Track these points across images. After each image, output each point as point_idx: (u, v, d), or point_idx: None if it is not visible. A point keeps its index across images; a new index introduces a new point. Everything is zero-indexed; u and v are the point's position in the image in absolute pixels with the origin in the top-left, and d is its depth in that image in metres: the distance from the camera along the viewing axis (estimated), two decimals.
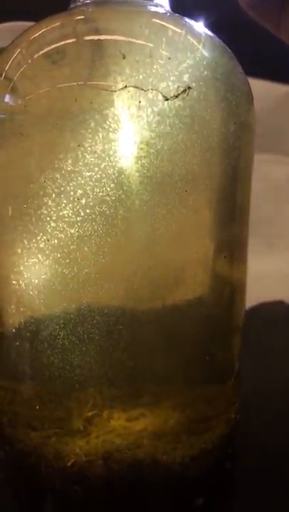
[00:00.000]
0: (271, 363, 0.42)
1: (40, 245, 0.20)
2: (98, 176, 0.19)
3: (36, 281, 0.20)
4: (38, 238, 0.20)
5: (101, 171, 0.19)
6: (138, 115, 0.18)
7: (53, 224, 0.20)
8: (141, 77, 0.18)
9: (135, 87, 0.18)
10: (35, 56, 0.20)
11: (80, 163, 0.19)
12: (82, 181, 0.19)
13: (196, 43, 0.20)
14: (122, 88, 0.18)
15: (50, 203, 0.19)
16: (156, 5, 0.21)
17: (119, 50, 0.19)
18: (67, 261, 0.20)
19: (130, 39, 0.19)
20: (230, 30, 0.23)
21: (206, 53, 0.20)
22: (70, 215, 0.19)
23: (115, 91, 0.18)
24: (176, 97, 0.18)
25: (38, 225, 0.20)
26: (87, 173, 0.19)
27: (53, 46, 0.20)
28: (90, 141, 0.19)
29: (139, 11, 0.20)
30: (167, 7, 0.22)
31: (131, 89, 0.18)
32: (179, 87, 0.19)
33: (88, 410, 0.21)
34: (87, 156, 0.19)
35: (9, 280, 0.21)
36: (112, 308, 0.20)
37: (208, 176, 0.20)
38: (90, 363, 0.20)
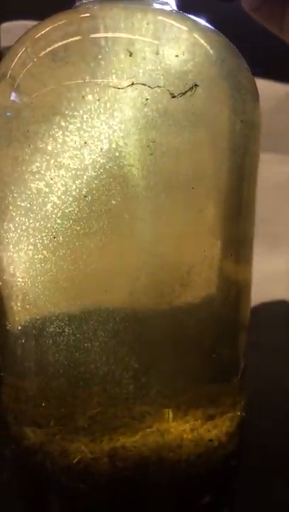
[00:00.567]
0: (274, 362, 0.42)
1: (46, 242, 0.20)
2: (104, 173, 0.19)
3: (42, 278, 0.20)
4: (44, 235, 0.20)
5: (107, 169, 0.19)
6: (145, 112, 0.18)
7: (58, 221, 0.20)
8: (147, 74, 0.18)
9: (142, 84, 0.18)
10: (41, 54, 0.20)
11: (86, 161, 0.19)
12: (88, 179, 0.19)
13: (202, 41, 0.20)
14: (128, 85, 0.18)
15: (56, 200, 0.19)
16: (162, 3, 0.21)
17: (126, 48, 0.19)
18: (73, 258, 0.20)
19: (137, 37, 0.19)
20: (230, 29, 0.23)
21: (212, 51, 0.20)
22: (76, 212, 0.19)
23: (122, 88, 0.18)
24: (183, 94, 0.18)
25: (44, 222, 0.20)
26: (93, 171, 0.19)
27: (58, 44, 0.20)
28: (96, 138, 0.19)
29: (145, 9, 0.20)
30: (173, 5, 0.22)
31: (138, 86, 0.18)
32: (185, 84, 0.19)
33: (93, 408, 0.21)
34: (93, 154, 0.19)
35: (15, 277, 0.21)
36: (118, 307, 0.20)
37: (215, 173, 0.20)
38: (95, 360, 0.20)
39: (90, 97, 0.18)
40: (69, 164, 0.19)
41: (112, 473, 0.20)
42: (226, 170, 0.21)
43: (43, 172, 0.19)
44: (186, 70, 0.19)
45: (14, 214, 0.20)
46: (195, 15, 0.21)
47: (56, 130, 0.19)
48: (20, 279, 0.21)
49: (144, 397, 0.21)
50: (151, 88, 0.18)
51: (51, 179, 0.19)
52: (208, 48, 0.20)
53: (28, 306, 0.21)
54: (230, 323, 0.23)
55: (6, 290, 0.21)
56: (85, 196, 0.19)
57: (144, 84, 0.18)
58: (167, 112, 0.18)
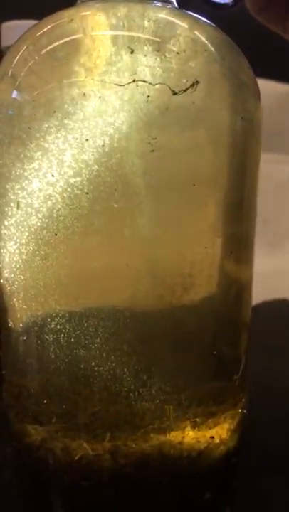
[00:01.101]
0: (275, 361, 0.42)
1: (47, 240, 0.20)
2: (105, 170, 0.19)
3: (43, 276, 0.20)
4: (45, 233, 0.20)
5: (108, 166, 0.19)
6: (146, 109, 0.18)
7: (60, 219, 0.20)
8: (149, 71, 0.18)
9: (143, 81, 0.18)
10: (42, 52, 0.20)
11: (87, 158, 0.19)
12: (90, 176, 0.19)
13: (203, 38, 0.20)
14: (129, 82, 0.18)
15: (57, 197, 0.20)
16: (164, 0, 0.21)
17: (127, 45, 0.19)
18: (74, 256, 0.20)
19: (138, 34, 0.19)
20: (230, 29, 0.23)
21: (213, 48, 0.20)
22: (77, 210, 0.19)
23: (123, 85, 0.18)
24: (184, 91, 0.18)
25: (45, 219, 0.20)
26: (94, 168, 0.19)
27: (59, 42, 0.20)
28: (97, 135, 0.19)
29: (146, 7, 0.20)
30: (174, 3, 0.22)
31: (139, 83, 0.18)
32: (186, 81, 0.19)
33: (95, 405, 0.21)
34: (95, 151, 0.19)
35: (16, 275, 0.21)
36: (120, 304, 0.20)
37: (216, 170, 0.20)
38: (97, 358, 0.20)
39: (91, 94, 0.18)
40: (70, 161, 0.19)
41: (113, 470, 0.20)
42: (226, 167, 0.21)
43: (44, 169, 0.19)
44: (187, 67, 0.19)
45: (15, 211, 0.20)
46: (196, 12, 0.22)
47: (58, 127, 0.19)
48: (21, 277, 0.21)
49: (146, 395, 0.21)
50: (153, 85, 0.18)
51: (52, 176, 0.19)
52: (209, 45, 0.20)
53: (29, 304, 0.21)
54: (231, 321, 0.23)
55: (8, 287, 0.21)
56: (87, 193, 0.19)
57: (145, 82, 0.18)
58: (168, 108, 0.19)
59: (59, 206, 0.20)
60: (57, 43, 0.20)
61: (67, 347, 0.20)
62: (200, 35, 0.20)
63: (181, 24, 0.20)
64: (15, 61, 0.20)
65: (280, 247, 0.72)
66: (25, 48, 0.20)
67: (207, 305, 0.21)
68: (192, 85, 0.19)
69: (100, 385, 0.20)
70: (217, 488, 0.23)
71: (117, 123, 0.19)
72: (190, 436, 0.21)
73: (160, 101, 0.18)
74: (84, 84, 0.19)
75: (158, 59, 0.19)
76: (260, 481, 0.27)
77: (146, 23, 0.19)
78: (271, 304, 0.55)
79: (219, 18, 0.27)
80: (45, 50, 0.20)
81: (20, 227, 0.20)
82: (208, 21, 0.21)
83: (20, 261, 0.20)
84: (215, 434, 0.22)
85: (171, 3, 0.22)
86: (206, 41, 0.20)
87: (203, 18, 0.21)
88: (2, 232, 0.21)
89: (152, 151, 0.19)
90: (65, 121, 0.19)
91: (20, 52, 0.20)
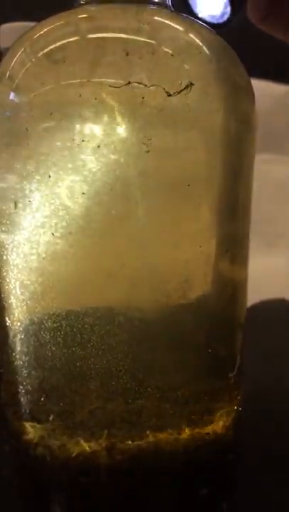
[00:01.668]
0: (272, 361, 0.43)
1: (45, 240, 0.20)
2: (101, 171, 0.19)
3: (41, 275, 0.20)
4: (42, 233, 0.20)
5: (104, 167, 0.19)
6: (141, 110, 0.19)
7: (57, 219, 0.20)
8: (144, 73, 0.19)
9: (138, 83, 0.18)
10: (39, 54, 0.20)
11: (84, 159, 0.19)
12: (86, 177, 0.19)
13: (198, 41, 0.20)
14: (125, 84, 0.18)
15: (54, 198, 0.20)
16: (159, 3, 0.22)
17: (122, 48, 0.19)
18: (72, 256, 0.20)
19: (133, 37, 0.19)
20: (229, 30, 0.23)
21: (207, 51, 0.20)
22: (74, 210, 0.20)
23: (119, 87, 0.18)
24: (179, 92, 0.19)
25: (43, 220, 0.20)
26: (91, 169, 0.19)
27: (56, 44, 0.20)
28: (93, 136, 0.19)
29: (141, 9, 0.20)
30: (170, 6, 0.22)
31: (134, 85, 0.18)
32: (181, 83, 0.19)
33: (92, 403, 0.21)
34: (91, 152, 0.19)
35: (14, 274, 0.21)
36: (116, 303, 0.21)
37: (210, 170, 0.21)
38: (93, 356, 0.20)
39: (87, 96, 0.19)
40: (67, 162, 0.19)
41: (110, 466, 0.21)
42: (221, 168, 0.21)
43: (41, 170, 0.20)
44: (181, 70, 0.19)
45: (13, 211, 0.20)
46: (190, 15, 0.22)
47: (54, 128, 0.19)
48: (19, 276, 0.21)
49: (142, 393, 0.21)
50: (147, 87, 0.19)
51: (50, 177, 0.19)
52: (204, 47, 0.20)
53: (26, 303, 0.21)
54: (226, 320, 0.23)
55: (5, 286, 0.21)
56: (83, 193, 0.19)
57: (140, 83, 0.18)
58: (163, 110, 0.19)
59: (56, 206, 0.20)
60: (54, 46, 0.20)
61: (64, 345, 0.21)
62: (194, 38, 0.20)
63: (176, 27, 0.20)
64: (12, 63, 0.21)
65: (278, 247, 0.72)
66: (22, 50, 0.21)
67: (202, 304, 0.22)
68: (186, 87, 0.19)
69: (96, 383, 0.21)
70: (213, 485, 0.23)
71: (113, 124, 0.19)
72: (186, 433, 0.21)
73: (155, 102, 0.19)
74: (80, 86, 0.19)
75: (153, 61, 0.19)
76: (260, 481, 0.27)
77: (141, 26, 0.20)
78: (269, 303, 0.55)
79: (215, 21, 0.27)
80: (42, 53, 0.20)
81: (17, 226, 0.20)
82: (203, 24, 0.22)
83: (17, 260, 0.21)
84: (210, 431, 0.22)
85: (167, 6, 0.22)
86: (201, 43, 0.20)
87: (198, 21, 0.22)
88: (0, 231, 0.21)
89: (147, 151, 0.19)
90: (62, 122, 0.19)
91: (18, 55, 0.21)
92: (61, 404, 0.21)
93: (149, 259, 0.21)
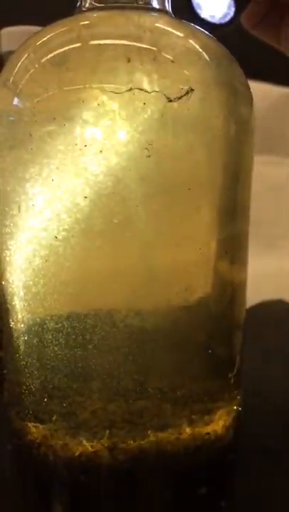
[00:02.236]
0: (271, 360, 0.43)
1: (47, 242, 0.20)
2: (103, 175, 0.20)
3: (44, 276, 0.21)
4: (46, 235, 0.20)
5: (106, 171, 0.20)
6: (142, 116, 0.19)
7: (60, 222, 0.20)
8: (145, 79, 0.19)
9: (139, 89, 0.19)
10: (43, 60, 0.20)
11: (87, 163, 0.20)
12: (88, 181, 0.20)
13: (198, 47, 0.21)
14: (126, 90, 0.19)
15: (57, 201, 0.20)
16: (160, 10, 0.22)
17: (124, 54, 0.19)
18: (74, 258, 0.20)
19: (134, 43, 0.20)
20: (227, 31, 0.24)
21: (207, 57, 0.21)
22: (76, 213, 0.20)
23: (120, 93, 0.19)
24: (179, 98, 0.19)
25: (46, 222, 0.20)
26: (93, 173, 0.20)
27: (59, 51, 0.20)
28: (95, 141, 0.19)
29: (143, 16, 0.21)
30: (171, 13, 0.23)
31: (135, 91, 0.19)
32: (181, 89, 0.19)
33: (94, 403, 0.21)
34: (93, 156, 0.19)
35: (17, 275, 0.21)
36: (118, 304, 0.21)
37: (210, 175, 0.21)
38: (95, 357, 0.21)
39: (89, 101, 0.19)
40: (70, 166, 0.20)
41: (112, 466, 0.21)
42: (220, 172, 0.21)
43: (44, 173, 0.20)
44: (182, 75, 0.20)
45: (16, 213, 0.21)
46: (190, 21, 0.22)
47: (57, 133, 0.19)
48: (22, 277, 0.21)
49: (143, 393, 0.21)
50: (149, 93, 0.19)
51: (52, 181, 0.20)
52: (204, 53, 0.21)
53: (30, 304, 0.21)
54: (226, 321, 0.23)
55: (9, 288, 0.22)
56: (85, 197, 0.20)
57: (141, 89, 0.19)
58: (164, 115, 0.19)
59: (59, 209, 0.20)
60: (57, 52, 0.20)
61: (66, 347, 0.21)
62: (194, 44, 0.21)
63: (177, 33, 0.21)
64: (16, 69, 0.21)
65: (277, 248, 0.73)
66: (26, 56, 0.21)
67: (202, 305, 0.22)
68: (187, 93, 0.19)
69: (98, 384, 0.21)
70: (213, 484, 0.23)
71: (115, 129, 0.19)
72: (186, 433, 0.22)
73: (156, 108, 0.19)
74: (82, 92, 0.19)
75: (154, 67, 0.19)
76: (260, 481, 0.27)
77: (142, 33, 0.20)
78: (269, 304, 0.55)
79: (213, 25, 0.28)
80: (45, 59, 0.20)
81: (21, 229, 0.21)
82: (203, 30, 0.22)
83: (21, 262, 0.21)
84: (211, 430, 0.22)
85: (168, 12, 0.22)
86: (201, 50, 0.21)
87: (198, 27, 0.22)
88: (3, 233, 0.21)
89: (149, 156, 0.19)
90: (65, 127, 0.19)
91: (22, 60, 0.21)
92: (64, 404, 0.21)
93: (150, 262, 0.21)
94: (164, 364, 0.22)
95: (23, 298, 0.21)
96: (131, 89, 0.19)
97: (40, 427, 0.22)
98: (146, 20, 0.21)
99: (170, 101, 0.19)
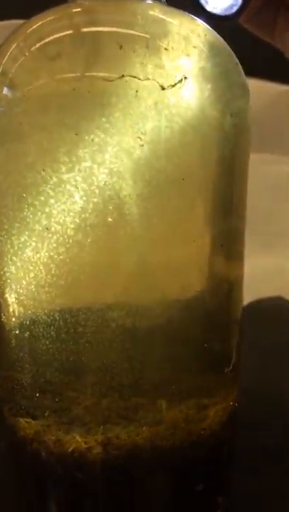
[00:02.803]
0: (269, 358, 0.43)
1: (40, 236, 0.20)
2: (96, 165, 0.19)
3: (36, 271, 0.20)
4: (38, 228, 0.20)
5: (98, 161, 0.19)
6: (135, 104, 0.19)
7: (52, 213, 0.20)
8: (137, 67, 0.19)
9: (132, 76, 0.18)
10: (33, 49, 0.20)
11: (78, 153, 0.19)
12: (81, 171, 0.19)
13: (193, 35, 0.20)
14: (119, 78, 0.18)
15: (50, 192, 0.20)
16: None
17: (116, 41, 0.19)
18: (68, 252, 0.20)
19: (127, 30, 0.19)
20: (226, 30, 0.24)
21: (203, 46, 0.20)
22: (70, 205, 0.20)
23: (112, 81, 0.18)
24: (173, 86, 0.19)
25: (38, 215, 0.20)
26: (85, 163, 0.19)
27: (50, 38, 0.20)
28: (87, 130, 0.19)
29: (136, 3, 0.20)
30: (163, 1, 0.22)
31: (128, 78, 0.18)
32: (175, 77, 0.19)
33: (87, 399, 0.21)
34: (85, 146, 0.19)
35: (9, 270, 0.21)
36: (112, 299, 0.21)
37: (204, 165, 0.21)
38: (88, 352, 0.20)
39: (81, 89, 0.19)
40: (62, 156, 0.19)
41: (106, 461, 0.21)
42: (215, 162, 0.21)
43: (36, 164, 0.20)
44: (175, 64, 0.19)
45: (9, 206, 0.20)
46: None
47: (48, 123, 0.19)
48: (14, 272, 0.21)
49: (138, 388, 0.21)
50: (141, 80, 0.19)
51: (43, 170, 0.19)
52: (199, 42, 0.20)
53: (22, 298, 0.21)
54: (222, 315, 0.23)
55: (0, 282, 0.21)
56: (77, 188, 0.19)
57: (134, 77, 0.18)
58: (157, 103, 0.19)
59: (51, 201, 0.20)
60: (47, 40, 0.20)
61: (59, 341, 0.21)
62: (189, 32, 0.20)
63: (171, 21, 0.20)
64: (5, 58, 0.21)
65: (277, 246, 0.72)
66: (15, 45, 0.21)
67: (198, 299, 0.22)
68: (180, 81, 0.19)
69: (92, 379, 0.21)
70: (209, 480, 0.23)
71: (107, 118, 0.19)
72: (182, 428, 0.21)
73: (148, 96, 0.19)
74: (74, 80, 0.19)
75: (146, 55, 0.19)
76: (260, 481, 0.27)
77: (135, 20, 0.19)
78: (267, 301, 0.55)
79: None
80: (35, 47, 0.20)
81: (13, 223, 0.20)
82: (198, 19, 0.22)
83: (11, 254, 0.21)
84: (206, 426, 0.22)
85: (161, 1, 0.22)
86: (196, 38, 0.20)
87: (193, 16, 0.22)
88: None
89: (142, 145, 0.19)
90: (56, 116, 0.19)
91: (11, 50, 0.21)
92: (56, 399, 0.21)
93: (144, 255, 0.21)
94: (159, 359, 0.21)
95: (14, 292, 0.21)
96: (123, 76, 0.18)
97: (33, 422, 0.21)
98: (140, 7, 0.20)
99: (163, 89, 0.19)
